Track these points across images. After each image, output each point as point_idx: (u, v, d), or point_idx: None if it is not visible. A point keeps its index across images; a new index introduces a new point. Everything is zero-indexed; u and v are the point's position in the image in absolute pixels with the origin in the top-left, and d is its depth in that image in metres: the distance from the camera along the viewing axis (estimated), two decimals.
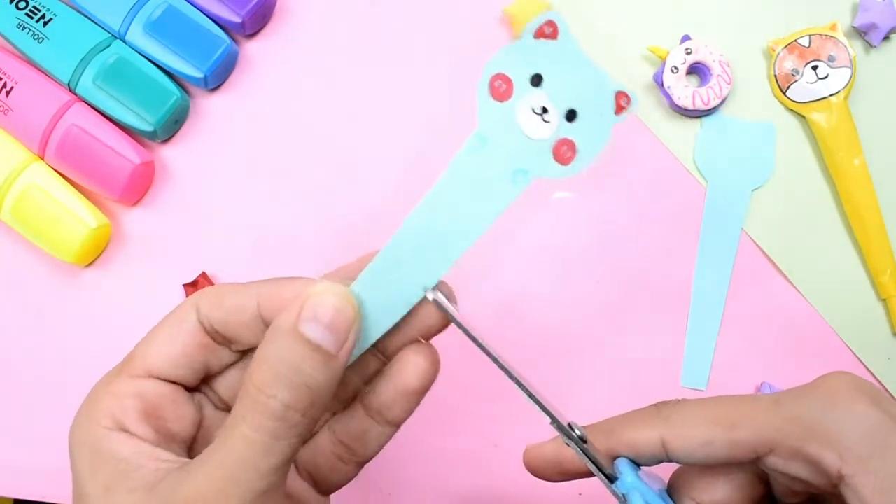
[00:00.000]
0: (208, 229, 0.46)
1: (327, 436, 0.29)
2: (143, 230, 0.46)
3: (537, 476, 0.30)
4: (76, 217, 0.43)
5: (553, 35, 0.26)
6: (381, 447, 0.29)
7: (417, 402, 0.28)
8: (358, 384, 0.29)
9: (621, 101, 0.27)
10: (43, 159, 0.44)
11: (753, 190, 0.46)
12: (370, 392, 0.28)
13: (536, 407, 0.27)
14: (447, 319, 0.27)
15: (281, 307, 0.25)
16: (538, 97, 0.26)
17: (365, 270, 0.26)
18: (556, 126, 0.26)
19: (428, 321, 0.27)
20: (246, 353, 0.28)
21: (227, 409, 0.29)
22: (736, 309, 0.45)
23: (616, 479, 0.28)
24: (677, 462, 0.28)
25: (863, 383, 0.26)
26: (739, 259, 0.45)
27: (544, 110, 0.26)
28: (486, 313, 0.45)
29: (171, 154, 0.46)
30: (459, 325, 0.26)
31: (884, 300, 0.45)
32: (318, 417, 0.24)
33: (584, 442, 0.28)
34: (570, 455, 0.29)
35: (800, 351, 0.45)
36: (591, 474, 0.29)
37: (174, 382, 0.27)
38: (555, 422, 0.27)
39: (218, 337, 0.27)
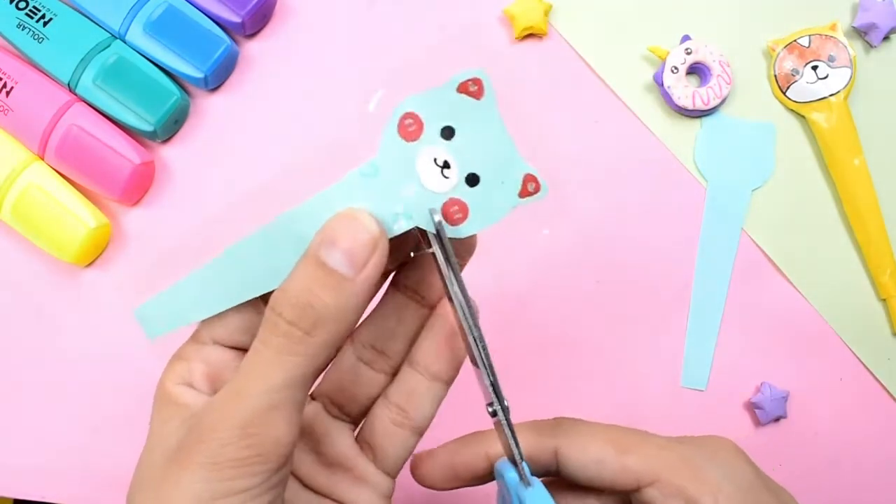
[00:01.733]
0: (208, 229, 0.46)
1: (382, 403, 0.30)
2: (143, 230, 0.46)
3: (426, 484, 0.31)
4: (76, 217, 0.43)
5: (477, 94, 0.26)
6: (433, 408, 0.30)
7: (458, 353, 0.29)
8: (404, 345, 0.30)
9: (528, 186, 0.26)
10: (43, 159, 0.44)
11: (753, 190, 0.46)
12: (415, 348, 0.30)
13: (482, 368, 0.26)
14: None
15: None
16: (444, 150, 0.25)
17: (226, 251, 0.26)
18: (453, 184, 0.26)
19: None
20: None
21: None
22: (736, 309, 0.45)
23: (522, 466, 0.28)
24: (565, 474, 0.29)
25: (742, 450, 0.30)
26: (739, 259, 0.45)
27: (446, 165, 0.25)
28: (486, 313, 0.45)
29: (171, 154, 0.46)
30: (444, 253, 0.26)
31: (884, 300, 0.45)
32: (329, 342, 0.24)
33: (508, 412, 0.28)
34: (463, 460, 0.30)
35: (800, 351, 0.45)
36: (481, 480, 0.30)
37: (236, 348, 0.28)
38: (494, 385, 0.27)
39: None
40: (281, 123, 0.46)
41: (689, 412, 0.45)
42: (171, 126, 0.45)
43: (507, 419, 0.27)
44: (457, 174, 0.26)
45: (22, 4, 0.44)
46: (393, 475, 0.30)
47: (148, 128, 0.44)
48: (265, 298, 0.27)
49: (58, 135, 0.43)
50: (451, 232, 0.26)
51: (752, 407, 0.45)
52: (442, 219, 0.25)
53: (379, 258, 0.25)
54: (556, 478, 0.30)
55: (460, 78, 0.25)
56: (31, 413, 0.46)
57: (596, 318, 0.45)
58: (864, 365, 0.45)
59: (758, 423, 0.45)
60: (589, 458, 0.29)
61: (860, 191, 0.45)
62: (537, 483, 0.27)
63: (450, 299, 0.27)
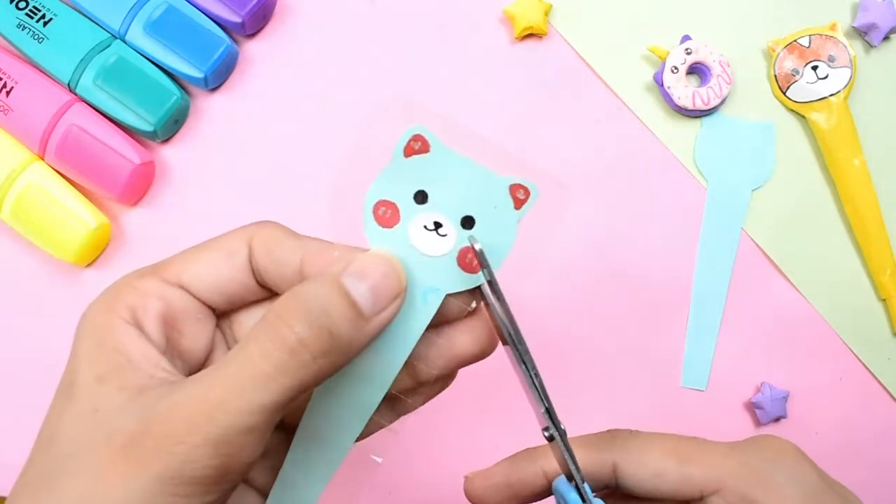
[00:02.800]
0: (208, 229, 0.46)
1: None
2: (143, 230, 0.46)
3: None
4: (76, 217, 0.43)
5: (423, 149, 0.25)
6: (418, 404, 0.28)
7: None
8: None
9: (517, 194, 0.26)
10: (43, 159, 0.44)
11: (753, 190, 0.46)
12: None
13: (534, 392, 0.26)
14: (484, 349, 0.27)
15: (324, 267, 0.24)
16: (427, 214, 0.25)
17: (302, 423, 0.26)
18: (454, 238, 0.25)
19: (468, 347, 0.27)
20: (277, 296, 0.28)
21: None
22: (736, 309, 0.45)
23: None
24: (625, 489, 0.29)
25: (803, 452, 0.29)
26: (739, 259, 0.45)
27: (437, 225, 0.25)
28: None
29: (171, 154, 0.46)
30: (493, 286, 0.25)
31: (884, 300, 0.45)
32: (327, 374, 0.23)
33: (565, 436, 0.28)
34: (519, 477, 0.29)
35: (800, 351, 0.45)
36: (538, 496, 0.29)
37: (203, 303, 0.26)
38: (549, 410, 0.27)
39: (261, 278, 0.26)
40: (281, 123, 0.46)
41: (689, 412, 0.45)
42: (171, 126, 0.45)
43: (565, 442, 0.27)
44: (452, 227, 0.25)
45: (22, 4, 0.44)
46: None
47: (148, 128, 0.44)
48: (255, 272, 0.26)
49: (58, 135, 0.43)
50: (478, 279, 0.26)
51: (752, 407, 0.45)
52: (482, 248, 0.25)
53: (395, 309, 0.24)
54: (614, 490, 0.29)
55: (402, 144, 0.25)
56: (32, 412, 0.45)
57: (596, 318, 0.45)
58: (864, 365, 0.45)
59: (758, 423, 0.45)
60: (649, 470, 0.28)
61: (860, 191, 0.45)
62: None
63: (501, 337, 0.26)
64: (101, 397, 0.23)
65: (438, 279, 0.25)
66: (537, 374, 0.26)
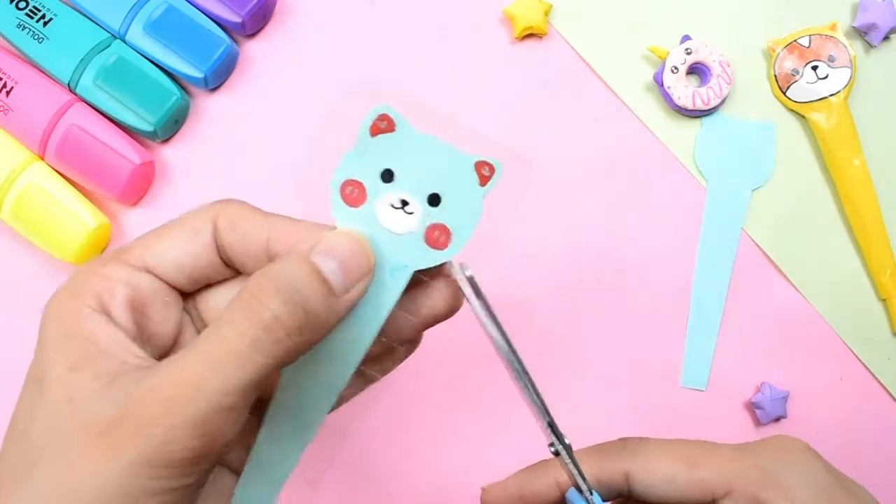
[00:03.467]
0: None
1: None
2: (142, 230, 0.46)
3: None
4: (76, 217, 0.43)
5: (389, 128, 0.26)
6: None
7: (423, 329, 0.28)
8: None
9: (483, 171, 0.26)
10: (43, 159, 0.44)
11: (753, 190, 0.46)
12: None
13: (536, 407, 0.26)
14: (451, 308, 0.27)
15: (291, 244, 0.24)
16: (394, 193, 0.26)
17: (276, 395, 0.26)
18: (420, 215, 0.26)
19: (437, 307, 0.27)
20: (242, 275, 0.28)
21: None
22: (736, 309, 0.45)
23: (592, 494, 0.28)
24: (637, 496, 0.29)
25: (813, 449, 0.29)
26: (739, 259, 0.45)
27: (404, 203, 0.26)
28: None
29: (171, 154, 0.46)
30: (485, 306, 0.25)
31: (884, 300, 0.45)
32: (301, 350, 0.23)
33: (571, 450, 0.28)
34: (533, 489, 0.29)
35: (800, 351, 0.45)
36: None
37: (169, 286, 0.26)
38: (553, 426, 0.27)
39: (226, 256, 0.26)
40: (281, 123, 0.46)
41: (689, 412, 0.45)
42: (171, 126, 0.45)
43: (571, 456, 0.27)
44: (418, 204, 0.26)
45: (22, 4, 0.44)
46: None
47: (148, 128, 0.44)
48: (219, 250, 0.26)
49: (58, 135, 0.43)
50: (445, 255, 0.26)
51: (752, 407, 0.45)
52: (473, 273, 0.26)
53: (365, 286, 0.24)
54: (627, 499, 0.30)
55: (367, 123, 0.26)
56: None
57: (596, 318, 0.45)
58: (864, 365, 0.45)
59: (758, 423, 0.45)
60: (659, 476, 0.28)
61: (860, 191, 0.45)
62: None
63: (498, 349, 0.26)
64: (74, 387, 0.22)
65: (406, 256, 0.26)
66: (536, 391, 0.26)
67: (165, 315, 0.26)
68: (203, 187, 0.46)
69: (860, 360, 0.45)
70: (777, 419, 0.45)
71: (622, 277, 0.46)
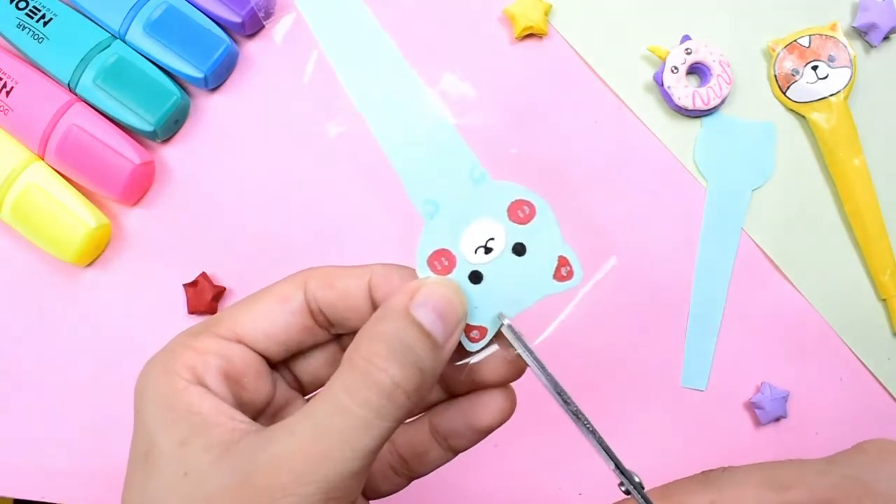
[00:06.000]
0: (208, 229, 0.46)
1: (386, 445, 0.28)
2: (143, 230, 0.46)
3: None
4: (76, 217, 0.43)
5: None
6: (435, 468, 0.28)
7: (482, 434, 0.28)
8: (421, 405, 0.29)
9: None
10: (43, 159, 0.44)
11: (753, 190, 0.46)
12: (440, 416, 0.28)
13: (601, 453, 0.26)
14: (516, 373, 0.27)
15: (392, 291, 0.24)
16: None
17: None
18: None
19: (498, 373, 0.27)
20: (338, 337, 0.28)
21: (300, 388, 0.28)
22: (736, 309, 0.45)
23: None
24: None
25: None
26: (739, 259, 0.45)
27: (488, 250, 0.26)
28: None
29: (171, 154, 0.46)
30: (534, 360, 0.26)
31: (884, 300, 0.45)
32: (417, 410, 0.24)
33: (643, 488, 0.27)
34: None
35: (800, 351, 0.45)
36: None
37: (261, 355, 0.26)
38: (619, 467, 0.26)
39: (321, 319, 0.26)
40: (281, 123, 0.46)
41: (689, 412, 0.45)
42: (171, 126, 0.45)
43: (643, 495, 0.26)
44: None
45: (22, 4, 0.44)
46: (370, 499, 0.29)
47: (148, 128, 0.44)
48: (314, 313, 0.26)
49: (58, 135, 0.43)
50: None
51: (752, 407, 0.45)
52: (512, 324, 0.26)
53: (459, 333, 0.24)
54: None
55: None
56: (32, 413, 0.46)
57: (596, 318, 0.45)
58: (864, 365, 0.45)
59: (758, 423, 0.45)
60: None
61: (860, 191, 0.45)
62: None
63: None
64: (187, 460, 0.22)
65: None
66: (598, 435, 0.26)
67: (259, 384, 0.26)
68: (203, 187, 0.46)
69: (860, 360, 0.45)
70: (777, 419, 0.45)
71: (622, 278, 0.46)
